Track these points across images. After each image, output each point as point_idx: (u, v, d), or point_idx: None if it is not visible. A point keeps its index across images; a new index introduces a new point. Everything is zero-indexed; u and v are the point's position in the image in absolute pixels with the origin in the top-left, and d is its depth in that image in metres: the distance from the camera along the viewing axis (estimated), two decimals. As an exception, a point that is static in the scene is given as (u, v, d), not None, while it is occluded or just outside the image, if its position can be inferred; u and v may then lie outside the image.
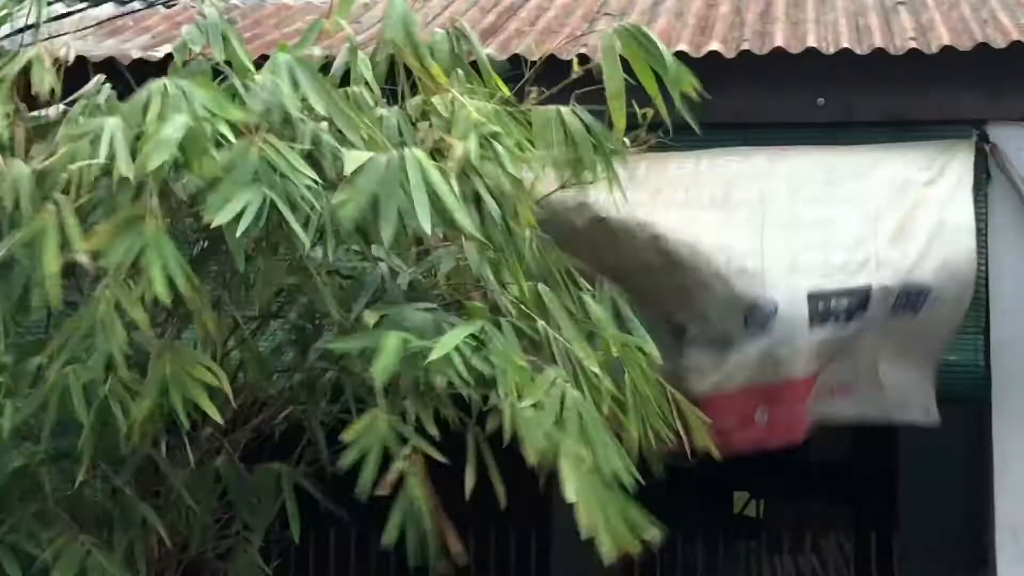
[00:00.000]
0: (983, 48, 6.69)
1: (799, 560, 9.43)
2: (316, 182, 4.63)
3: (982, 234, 6.66)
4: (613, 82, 5.42)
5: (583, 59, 6.01)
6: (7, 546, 4.87)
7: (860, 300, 6.37)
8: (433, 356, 4.56)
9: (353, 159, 4.65)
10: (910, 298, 6.39)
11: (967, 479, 7.92)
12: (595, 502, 4.81)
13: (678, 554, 8.62)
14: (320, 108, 4.86)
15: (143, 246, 4.43)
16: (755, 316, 6.33)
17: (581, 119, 5.41)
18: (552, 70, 5.89)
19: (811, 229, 6.47)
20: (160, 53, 6.86)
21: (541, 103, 5.58)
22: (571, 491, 4.75)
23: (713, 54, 6.72)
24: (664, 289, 6.34)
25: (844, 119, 6.85)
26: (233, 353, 5.20)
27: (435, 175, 4.63)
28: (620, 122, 5.46)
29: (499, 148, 4.97)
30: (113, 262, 4.46)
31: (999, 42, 6.72)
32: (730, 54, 6.77)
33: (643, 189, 6.42)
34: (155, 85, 4.68)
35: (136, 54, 6.93)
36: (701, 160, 6.66)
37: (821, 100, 6.83)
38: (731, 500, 11.23)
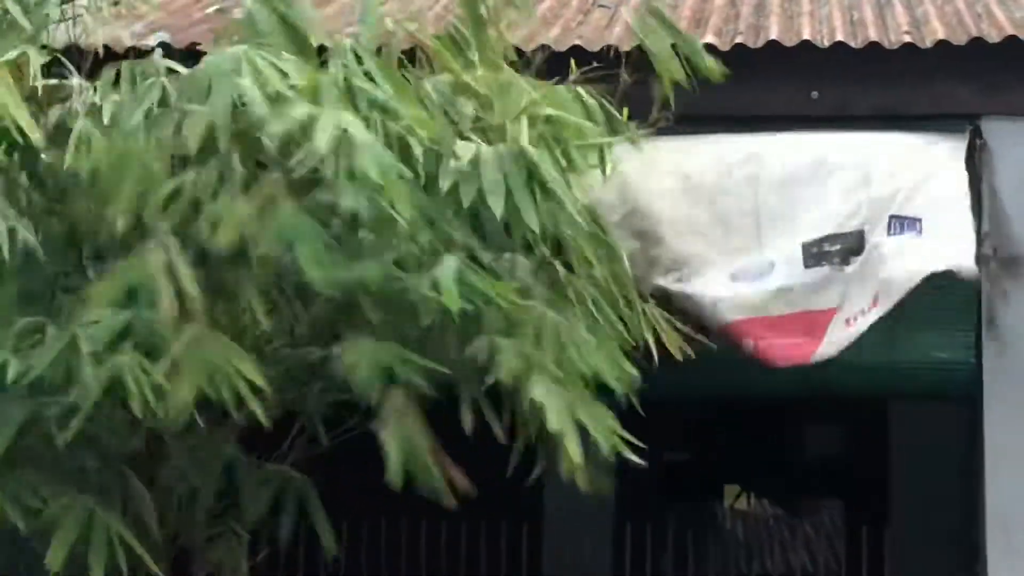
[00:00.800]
0: (977, 42, 6.68)
1: (789, 554, 9.44)
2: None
3: (976, 232, 6.66)
4: (661, 52, 5.46)
5: (576, 50, 6.01)
6: (14, 499, 4.86)
7: (853, 243, 6.41)
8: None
9: (464, 149, 4.78)
10: (904, 224, 6.42)
11: (959, 475, 7.91)
12: (564, 406, 4.89)
13: (669, 547, 8.64)
14: (386, 90, 4.86)
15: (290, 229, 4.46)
16: (745, 272, 6.45)
17: (596, 100, 5.43)
18: (547, 61, 5.90)
19: (807, 184, 6.51)
20: (152, 41, 6.83)
21: None
22: (538, 393, 4.85)
23: (708, 47, 6.69)
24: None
25: (838, 113, 6.84)
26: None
27: (550, 172, 4.74)
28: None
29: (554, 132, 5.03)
30: (263, 248, 4.47)
31: (993, 36, 6.72)
32: (724, 47, 6.75)
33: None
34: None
35: (129, 42, 6.90)
36: (696, 140, 6.68)
37: (815, 93, 6.82)
38: (722, 493, 11.25)
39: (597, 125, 5.47)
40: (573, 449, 4.91)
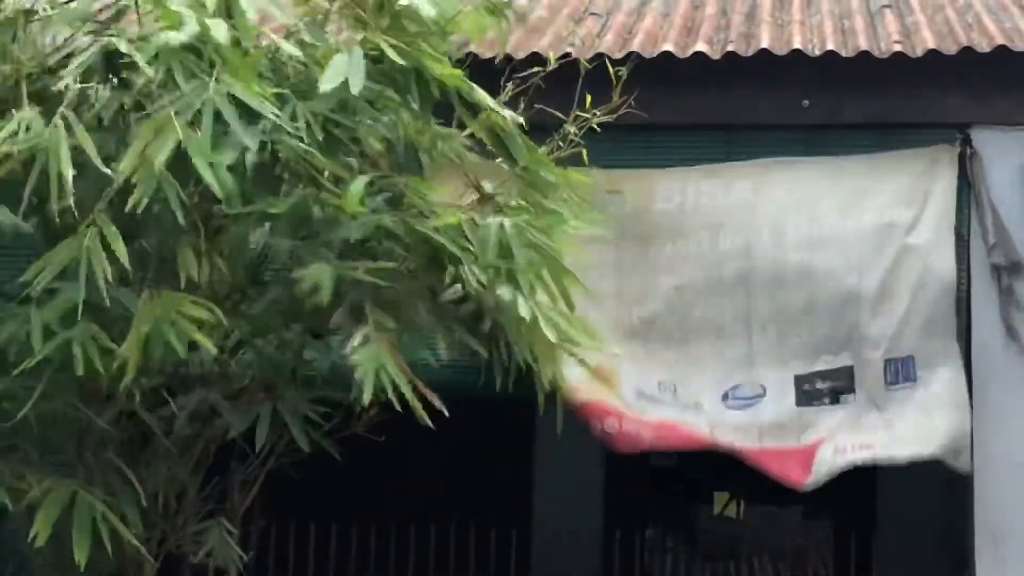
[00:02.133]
0: (968, 52, 6.70)
1: (778, 561, 9.45)
2: None
3: (964, 239, 6.69)
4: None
5: (567, 58, 6.02)
6: None
7: (843, 382, 6.55)
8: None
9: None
10: (899, 371, 6.50)
11: (947, 482, 7.92)
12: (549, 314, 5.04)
13: (657, 552, 8.65)
14: None
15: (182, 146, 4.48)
16: (737, 395, 6.57)
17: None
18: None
19: (796, 289, 6.58)
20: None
21: (516, 95, 5.62)
22: (524, 310, 5.03)
23: (699, 55, 6.73)
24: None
25: (829, 121, 6.86)
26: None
27: None
28: None
29: None
30: (157, 158, 4.48)
31: (983, 46, 6.74)
32: (716, 55, 6.77)
33: (631, 236, 6.54)
34: None
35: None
36: (687, 192, 6.69)
37: (806, 102, 6.83)
38: (711, 500, 11.25)
39: None
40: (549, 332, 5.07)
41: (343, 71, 4.82)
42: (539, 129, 5.67)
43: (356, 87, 4.81)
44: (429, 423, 4.86)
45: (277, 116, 4.69)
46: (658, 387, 6.57)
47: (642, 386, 6.47)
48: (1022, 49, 6.69)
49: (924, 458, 6.42)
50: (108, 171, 4.58)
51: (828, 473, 6.46)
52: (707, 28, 7.23)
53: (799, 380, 6.58)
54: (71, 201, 4.51)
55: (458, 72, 5.17)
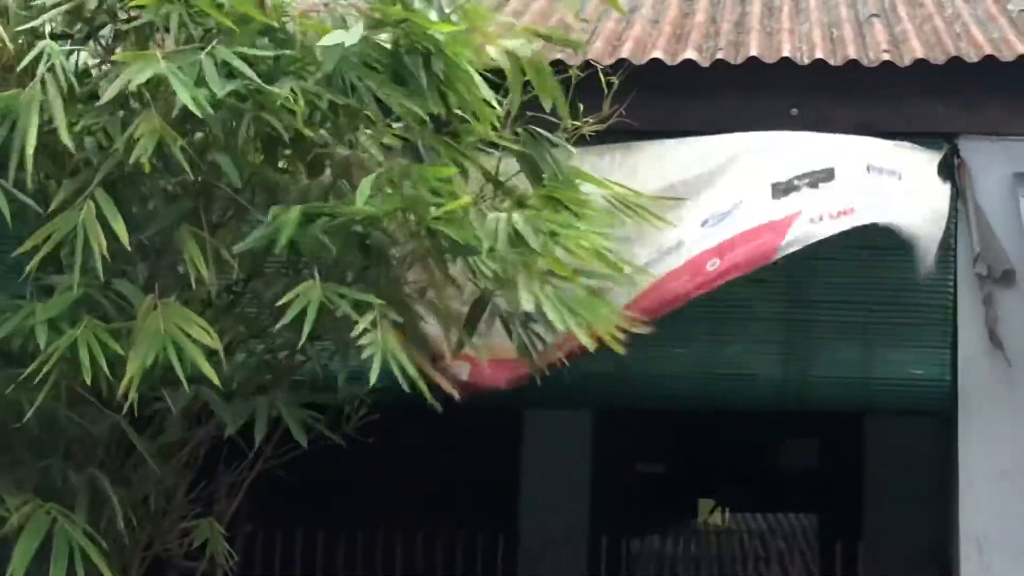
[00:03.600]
0: (956, 62, 6.72)
1: (763, 568, 9.46)
2: None
3: (951, 250, 6.71)
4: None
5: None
6: None
7: (823, 174, 6.43)
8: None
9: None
10: (883, 170, 6.47)
11: (933, 491, 7.96)
12: (556, 300, 4.99)
13: (642, 558, 8.66)
14: None
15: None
16: (715, 213, 6.45)
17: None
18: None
19: (781, 147, 6.54)
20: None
21: None
22: (525, 300, 4.96)
23: (688, 62, 6.74)
24: None
25: (817, 129, 6.84)
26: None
27: None
28: None
29: None
30: (133, 80, 4.47)
31: (972, 56, 6.76)
32: (705, 63, 6.78)
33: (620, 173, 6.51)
34: None
35: None
36: (668, 143, 6.67)
37: (795, 110, 6.84)
38: (696, 507, 11.26)
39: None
40: (584, 333, 5.03)
41: (341, 37, 4.80)
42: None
43: (352, 40, 4.76)
44: (439, 408, 4.85)
45: (264, 84, 4.69)
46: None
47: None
48: (1010, 59, 6.71)
49: (898, 225, 6.35)
50: (70, 144, 4.56)
51: (804, 237, 6.33)
52: (696, 36, 7.24)
53: (776, 185, 6.43)
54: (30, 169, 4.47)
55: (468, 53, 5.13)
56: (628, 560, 8.68)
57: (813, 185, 6.40)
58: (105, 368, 4.53)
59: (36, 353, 4.58)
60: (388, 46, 4.99)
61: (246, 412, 5.17)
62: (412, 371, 4.70)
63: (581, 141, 5.83)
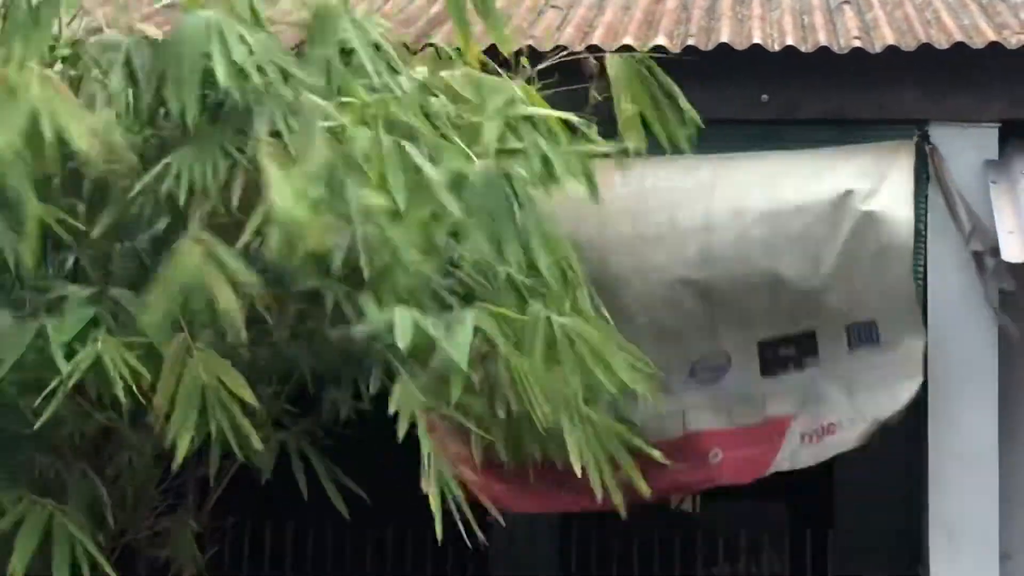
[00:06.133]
0: (926, 48, 6.72)
1: (734, 558, 9.45)
2: None
3: (921, 235, 6.71)
4: (626, 113, 5.47)
5: (531, 51, 6.00)
6: None
7: (807, 347, 6.57)
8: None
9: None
10: (861, 334, 6.51)
11: (903, 477, 7.96)
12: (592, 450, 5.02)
13: (613, 549, 8.65)
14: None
15: None
16: (704, 366, 6.59)
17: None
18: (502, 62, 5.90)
19: (758, 262, 6.54)
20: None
21: None
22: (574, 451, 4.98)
23: (658, 48, 6.71)
24: None
25: (788, 116, 6.88)
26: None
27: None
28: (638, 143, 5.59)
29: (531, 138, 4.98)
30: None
31: (942, 43, 6.76)
32: (675, 49, 6.76)
33: (588, 215, 6.51)
34: None
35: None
36: (645, 176, 6.62)
37: (765, 97, 6.85)
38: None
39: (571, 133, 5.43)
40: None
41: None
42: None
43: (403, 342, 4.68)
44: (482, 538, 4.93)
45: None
46: None
47: None
48: (980, 47, 6.72)
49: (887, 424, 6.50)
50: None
51: (794, 460, 6.53)
52: (667, 22, 7.23)
53: (762, 347, 6.58)
54: None
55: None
56: (599, 551, 8.66)
57: (799, 365, 6.58)
58: (132, 385, 4.50)
59: (45, 362, 4.53)
60: None
61: (275, 452, 5.17)
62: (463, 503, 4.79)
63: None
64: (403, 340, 4.55)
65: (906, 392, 6.47)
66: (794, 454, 6.56)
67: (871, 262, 6.50)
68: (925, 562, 6.80)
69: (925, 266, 6.71)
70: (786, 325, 6.59)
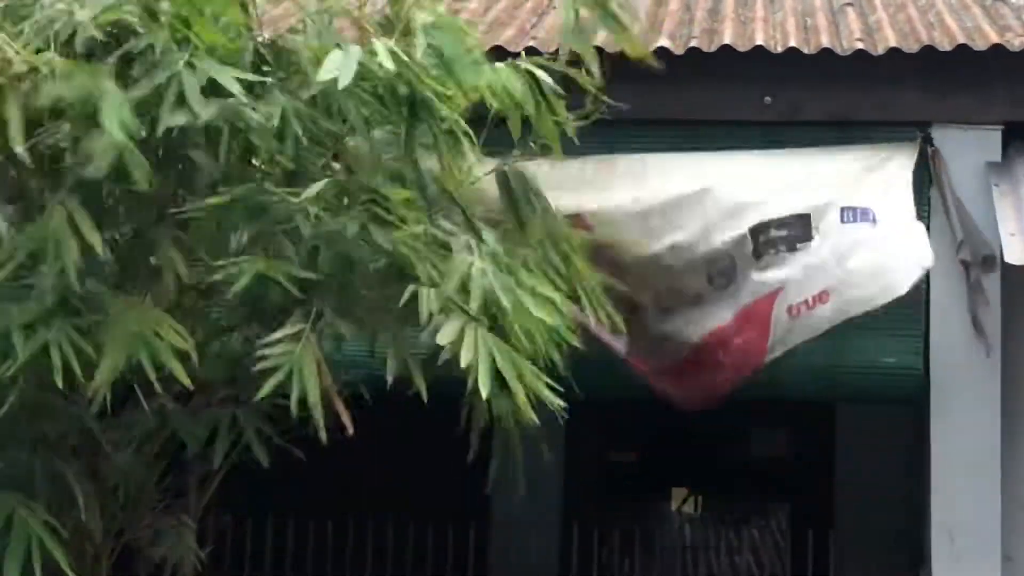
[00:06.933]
0: (929, 50, 6.72)
1: (735, 556, 9.48)
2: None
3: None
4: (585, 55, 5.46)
5: (530, 52, 5.99)
6: None
7: (800, 229, 6.48)
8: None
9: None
10: (855, 213, 6.47)
11: (904, 479, 7.97)
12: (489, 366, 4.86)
13: (616, 548, 8.65)
14: None
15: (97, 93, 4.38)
16: (718, 271, 6.56)
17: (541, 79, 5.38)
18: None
19: (754, 186, 6.60)
20: None
21: None
22: (484, 387, 4.83)
23: (661, 50, 6.71)
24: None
25: (790, 118, 6.86)
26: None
27: None
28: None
29: None
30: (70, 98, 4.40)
31: (945, 45, 6.76)
32: (678, 51, 6.77)
33: (592, 186, 6.52)
34: None
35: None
36: (647, 161, 6.68)
37: (768, 98, 6.84)
38: (669, 496, 11.28)
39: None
40: (484, 380, 4.83)
41: (336, 66, 4.75)
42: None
43: (344, 80, 4.72)
44: (350, 428, 4.83)
45: (247, 103, 4.64)
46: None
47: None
48: (983, 49, 6.72)
49: (878, 305, 6.34)
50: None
51: (788, 340, 6.43)
52: (670, 23, 7.23)
53: (754, 231, 6.51)
54: None
55: (457, 108, 5.10)
56: (600, 549, 8.67)
57: (791, 247, 6.49)
58: (78, 370, 4.49)
59: (10, 352, 4.55)
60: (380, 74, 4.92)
61: (208, 426, 5.17)
62: (312, 392, 4.66)
63: (562, 138, 5.77)
64: None
65: (906, 274, 6.31)
66: (786, 334, 6.43)
67: (870, 174, 6.59)
68: (927, 564, 6.79)
69: (928, 272, 6.69)
70: (778, 209, 6.54)
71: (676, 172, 6.69)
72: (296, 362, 4.66)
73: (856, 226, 6.47)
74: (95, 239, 4.51)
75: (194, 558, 5.52)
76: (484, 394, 4.79)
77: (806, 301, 6.42)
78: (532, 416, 4.99)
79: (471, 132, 5.21)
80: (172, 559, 5.49)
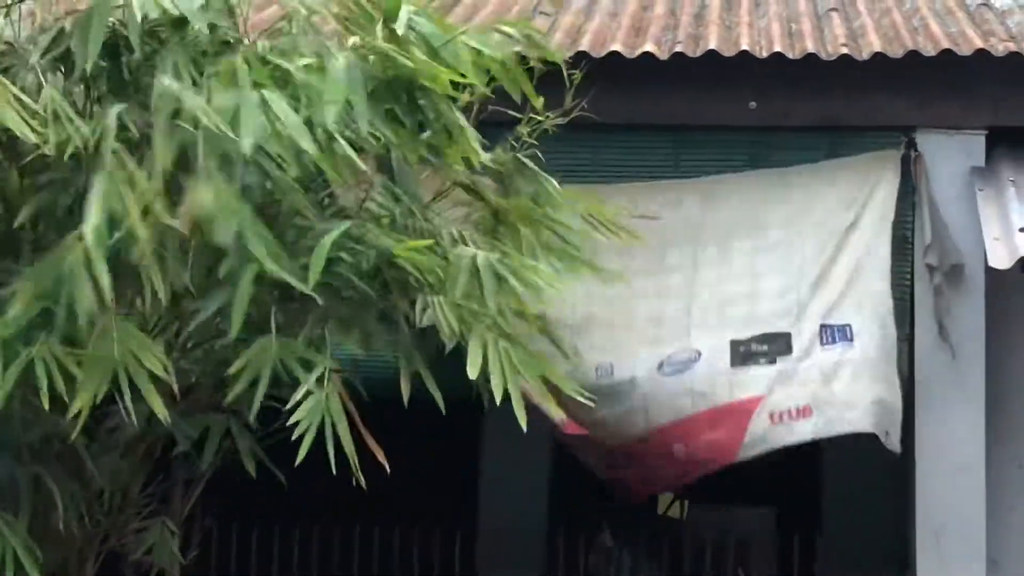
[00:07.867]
0: (913, 55, 6.74)
1: (722, 561, 9.46)
2: None
3: (908, 243, 6.74)
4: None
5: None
6: None
7: (781, 346, 6.59)
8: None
9: None
10: (835, 333, 6.53)
11: (891, 482, 7.97)
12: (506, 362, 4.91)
13: (601, 553, 8.65)
14: None
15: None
16: (672, 361, 6.60)
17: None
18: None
19: (739, 282, 6.69)
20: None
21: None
22: (472, 368, 4.88)
23: (647, 55, 6.73)
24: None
25: (775, 123, 6.89)
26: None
27: None
28: None
29: None
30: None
31: (929, 50, 6.78)
32: (664, 56, 6.78)
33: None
34: None
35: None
36: (635, 205, 6.64)
37: (753, 104, 6.86)
38: (655, 501, 11.26)
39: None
40: (519, 411, 4.88)
41: (343, 82, 4.69)
42: (490, 126, 5.63)
43: (361, 106, 4.68)
44: (386, 466, 4.86)
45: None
46: (595, 372, 6.58)
47: (580, 376, 6.42)
48: (967, 54, 6.74)
49: (859, 430, 6.47)
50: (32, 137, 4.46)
51: (764, 443, 6.51)
52: (655, 29, 7.24)
53: (735, 344, 6.60)
54: None
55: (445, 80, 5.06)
56: (586, 555, 8.67)
57: (771, 360, 6.58)
58: (61, 387, 4.46)
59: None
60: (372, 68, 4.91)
61: (199, 428, 5.16)
62: (347, 442, 4.67)
63: (544, 136, 5.78)
64: None
65: (875, 391, 6.48)
66: (763, 436, 6.52)
67: (849, 275, 6.63)
68: (912, 568, 6.81)
69: (912, 275, 6.73)
70: (762, 327, 6.62)
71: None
72: (326, 411, 4.65)
73: (835, 348, 6.57)
74: (105, 283, 4.39)
75: (177, 564, 5.51)
76: (523, 424, 4.83)
77: (789, 411, 6.56)
78: (561, 414, 5.14)
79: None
80: (156, 563, 5.49)
